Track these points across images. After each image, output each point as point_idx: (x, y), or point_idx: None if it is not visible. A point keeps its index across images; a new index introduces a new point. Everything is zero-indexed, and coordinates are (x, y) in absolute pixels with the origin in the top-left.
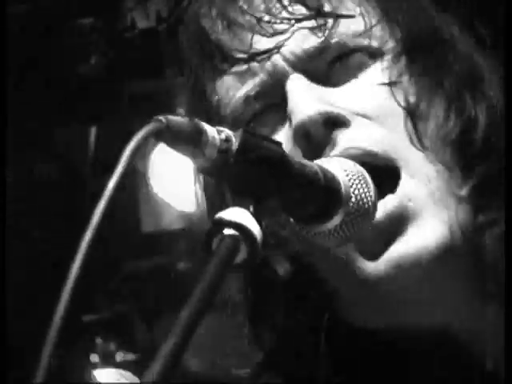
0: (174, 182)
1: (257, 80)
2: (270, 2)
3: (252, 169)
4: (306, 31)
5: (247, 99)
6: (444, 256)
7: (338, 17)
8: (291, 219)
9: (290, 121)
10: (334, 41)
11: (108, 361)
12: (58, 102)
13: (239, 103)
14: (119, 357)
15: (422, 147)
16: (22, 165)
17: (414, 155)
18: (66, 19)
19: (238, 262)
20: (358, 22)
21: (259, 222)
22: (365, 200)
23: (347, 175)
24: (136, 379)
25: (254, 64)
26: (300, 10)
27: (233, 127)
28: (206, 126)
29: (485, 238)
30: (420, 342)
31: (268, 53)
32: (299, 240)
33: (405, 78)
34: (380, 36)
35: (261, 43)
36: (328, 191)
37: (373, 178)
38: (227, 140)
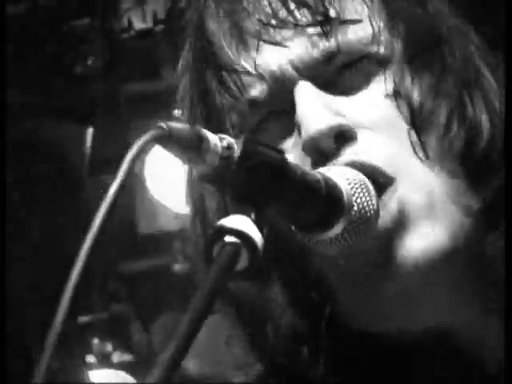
0: (169, 183)
1: (264, 86)
2: (276, 7)
3: (254, 176)
4: (314, 38)
5: (254, 104)
6: (443, 262)
7: (344, 22)
8: (293, 227)
9: (299, 129)
10: (342, 47)
11: (104, 362)
12: (56, 102)
13: (245, 108)
14: (116, 358)
15: (426, 157)
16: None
17: (415, 165)
18: (62, 20)
19: (238, 269)
20: (365, 27)
21: (260, 229)
22: (367, 208)
23: (349, 184)
24: (132, 380)
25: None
26: (306, 15)
27: (238, 132)
28: (208, 133)
29: (493, 251)
30: (421, 343)
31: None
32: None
33: (408, 84)
34: (386, 41)
35: (266, 50)
36: (330, 199)
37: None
38: (229, 147)
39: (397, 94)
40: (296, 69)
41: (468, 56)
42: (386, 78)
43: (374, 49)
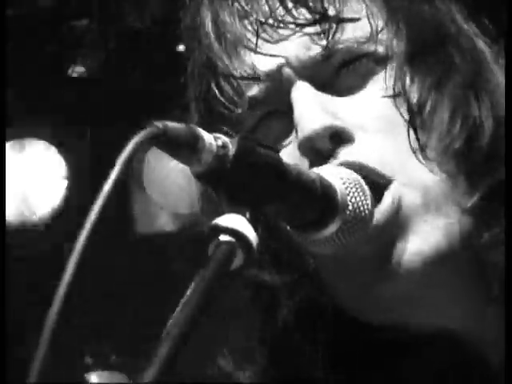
0: (168, 183)
1: (262, 86)
2: (273, 5)
3: (248, 175)
4: (312, 37)
5: (252, 104)
6: (440, 262)
7: (342, 21)
8: (287, 226)
9: (297, 130)
10: (339, 46)
11: (101, 363)
12: (53, 102)
13: (244, 107)
14: (113, 359)
15: (425, 157)
16: None
17: (413, 165)
18: (61, 20)
19: (233, 268)
20: (364, 25)
21: (255, 228)
22: (362, 208)
23: (344, 183)
24: (129, 381)
25: (259, 72)
26: (304, 14)
27: (237, 131)
28: (203, 133)
29: (490, 254)
30: (419, 340)
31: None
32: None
33: (409, 82)
34: (386, 40)
35: (264, 50)
36: (325, 199)
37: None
38: (224, 146)
39: (396, 93)
40: (293, 68)
41: (477, 56)
42: (384, 78)
43: (372, 48)
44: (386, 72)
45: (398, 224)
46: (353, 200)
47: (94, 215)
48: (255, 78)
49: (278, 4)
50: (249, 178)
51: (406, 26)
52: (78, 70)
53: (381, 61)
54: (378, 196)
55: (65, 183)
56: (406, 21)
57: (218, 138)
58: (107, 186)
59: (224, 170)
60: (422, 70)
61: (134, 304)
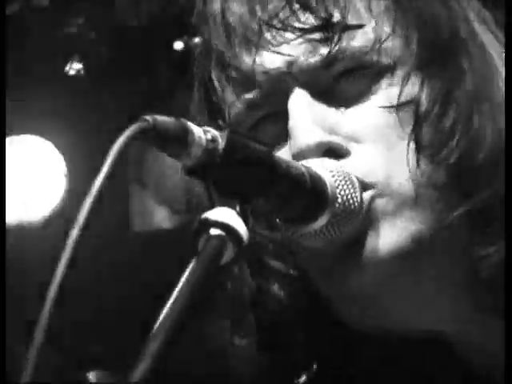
0: (165, 180)
1: (261, 88)
2: (278, 7)
3: (238, 169)
4: (315, 43)
5: (250, 105)
6: (398, 262)
7: (347, 28)
8: (277, 220)
9: (291, 138)
10: (341, 55)
11: (101, 363)
12: (51, 102)
13: (243, 108)
14: (112, 359)
15: (417, 167)
16: None
17: (396, 174)
18: (57, 19)
19: (224, 262)
20: (368, 34)
21: (245, 221)
22: (351, 201)
23: (333, 176)
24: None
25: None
26: (309, 19)
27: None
28: (193, 126)
29: (482, 266)
30: (411, 343)
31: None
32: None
33: (418, 90)
34: (391, 48)
35: (266, 51)
36: (314, 192)
37: None
38: (213, 140)
39: (400, 103)
40: (293, 73)
41: (485, 62)
42: (384, 88)
43: (375, 58)
44: (390, 81)
45: (364, 223)
46: (342, 193)
47: (85, 211)
48: (255, 78)
49: (283, 6)
50: (238, 171)
51: (416, 30)
52: (75, 67)
53: (383, 71)
54: None
55: (64, 182)
56: (417, 25)
57: (208, 131)
58: (98, 181)
59: (214, 164)
60: (432, 77)
61: (134, 304)
